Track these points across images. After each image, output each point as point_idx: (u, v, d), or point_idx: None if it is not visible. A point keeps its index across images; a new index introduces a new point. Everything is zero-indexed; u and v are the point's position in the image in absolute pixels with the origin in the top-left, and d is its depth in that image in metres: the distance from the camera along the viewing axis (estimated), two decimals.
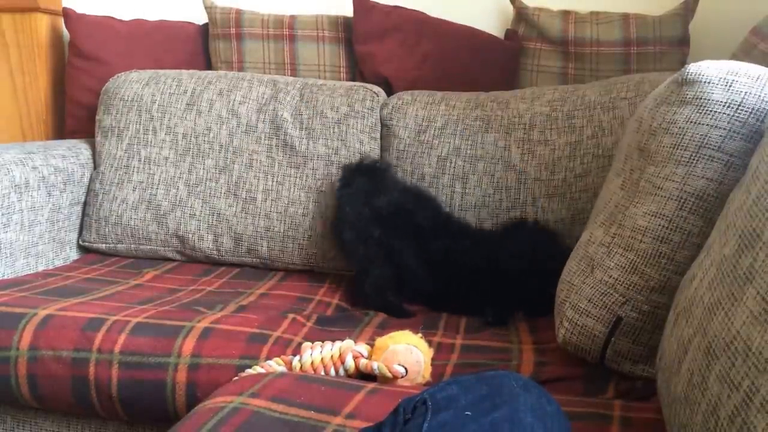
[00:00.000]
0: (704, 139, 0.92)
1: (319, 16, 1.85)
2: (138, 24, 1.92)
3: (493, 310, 1.30)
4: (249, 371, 1.01)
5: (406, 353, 0.98)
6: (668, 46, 1.71)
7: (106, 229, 1.66)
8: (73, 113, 1.89)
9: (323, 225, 1.58)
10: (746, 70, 0.92)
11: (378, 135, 1.63)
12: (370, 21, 1.78)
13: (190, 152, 1.66)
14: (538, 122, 1.54)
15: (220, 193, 1.63)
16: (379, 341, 1.01)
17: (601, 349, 1.00)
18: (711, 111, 0.92)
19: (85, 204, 1.70)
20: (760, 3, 1.52)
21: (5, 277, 1.47)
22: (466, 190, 1.54)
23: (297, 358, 1.02)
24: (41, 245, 1.57)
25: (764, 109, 0.89)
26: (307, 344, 1.05)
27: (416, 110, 1.62)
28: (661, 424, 0.76)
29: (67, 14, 1.86)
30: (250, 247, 1.61)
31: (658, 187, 0.96)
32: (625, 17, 1.74)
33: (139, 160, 1.67)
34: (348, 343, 1.03)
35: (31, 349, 1.13)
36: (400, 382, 0.97)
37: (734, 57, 1.46)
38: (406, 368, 0.97)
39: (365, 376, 0.99)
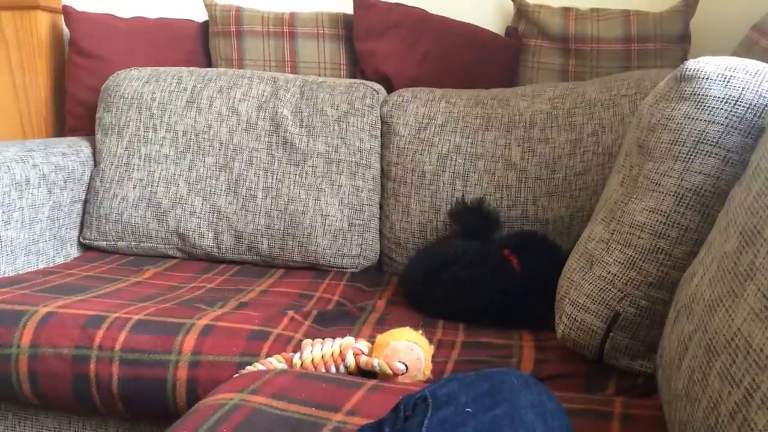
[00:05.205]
0: (702, 134, 0.91)
1: (319, 13, 1.85)
2: (138, 22, 1.92)
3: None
4: (249, 368, 1.02)
5: (407, 350, 0.98)
6: (669, 43, 1.71)
7: (107, 227, 1.66)
8: (73, 111, 1.89)
9: (323, 222, 1.58)
10: (744, 66, 0.92)
11: (378, 132, 1.63)
12: (370, 18, 1.77)
13: (191, 150, 1.66)
14: (539, 120, 1.54)
15: (221, 190, 1.63)
16: (380, 338, 1.01)
17: (600, 344, 1.00)
18: (708, 107, 0.92)
19: (86, 202, 1.70)
20: (761, 0, 1.52)
21: (6, 275, 1.47)
22: (467, 188, 1.54)
23: (297, 355, 1.02)
24: (42, 243, 1.57)
25: (762, 104, 0.88)
26: (307, 341, 1.05)
27: (417, 107, 1.62)
28: (662, 421, 0.76)
29: (67, 12, 1.86)
30: (251, 244, 1.61)
31: (656, 183, 0.96)
32: (626, 14, 1.73)
33: (140, 158, 1.67)
34: (348, 340, 1.03)
35: (32, 346, 1.13)
36: (400, 379, 0.97)
37: (735, 54, 1.45)
38: (406, 365, 0.97)
39: (366, 373, 0.99)
